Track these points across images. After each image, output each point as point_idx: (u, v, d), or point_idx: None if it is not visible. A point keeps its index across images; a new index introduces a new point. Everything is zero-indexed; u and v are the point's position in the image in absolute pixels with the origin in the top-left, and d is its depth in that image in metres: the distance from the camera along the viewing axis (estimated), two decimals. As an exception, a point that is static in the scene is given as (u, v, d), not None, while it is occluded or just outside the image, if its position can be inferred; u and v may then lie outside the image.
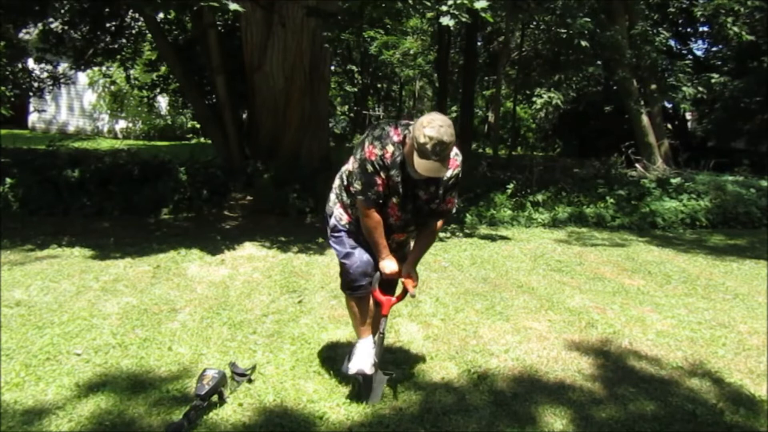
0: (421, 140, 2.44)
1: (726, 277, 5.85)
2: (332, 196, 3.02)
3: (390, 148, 2.63)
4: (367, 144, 2.65)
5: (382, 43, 16.89)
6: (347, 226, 2.93)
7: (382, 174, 2.63)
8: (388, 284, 2.94)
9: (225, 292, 4.63)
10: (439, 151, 2.44)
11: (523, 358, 3.52)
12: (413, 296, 2.87)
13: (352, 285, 2.91)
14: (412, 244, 3.04)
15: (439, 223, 2.87)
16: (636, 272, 5.86)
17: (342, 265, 2.95)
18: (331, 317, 4.09)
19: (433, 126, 2.45)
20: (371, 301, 2.99)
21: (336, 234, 2.97)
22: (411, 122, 2.64)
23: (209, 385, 2.72)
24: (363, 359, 2.90)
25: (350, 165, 2.81)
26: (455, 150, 2.69)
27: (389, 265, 2.80)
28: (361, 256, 2.88)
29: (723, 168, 11.53)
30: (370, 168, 2.63)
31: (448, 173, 2.68)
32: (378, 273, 2.86)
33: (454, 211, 2.85)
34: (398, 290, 3.02)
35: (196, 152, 9.74)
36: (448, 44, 16.20)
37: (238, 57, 9.71)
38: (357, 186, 2.69)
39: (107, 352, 3.41)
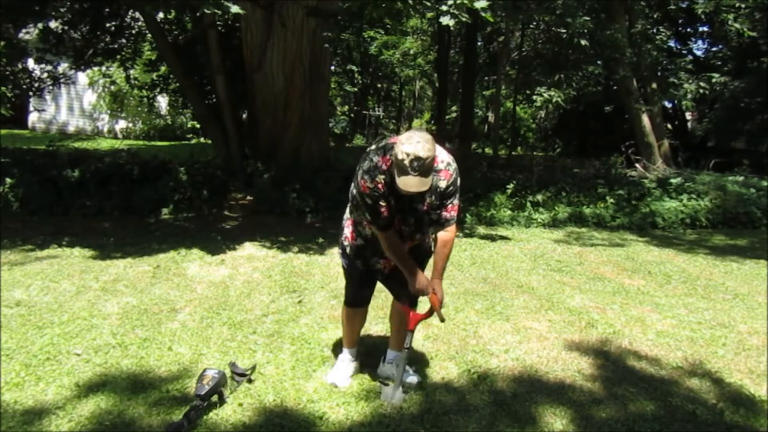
0: (400, 157, 2.49)
1: (726, 277, 5.85)
2: (348, 208, 3.06)
3: (380, 178, 2.67)
4: (359, 177, 2.71)
5: (382, 43, 16.89)
6: (349, 248, 3.01)
7: (382, 202, 2.69)
8: (412, 298, 2.93)
9: (225, 292, 4.63)
10: (417, 166, 2.47)
11: (523, 358, 3.53)
12: (442, 320, 2.88)
13: (348, 299, 3.15)
14: (428, 241, 3.07)
15: (451, 230, 2.84)
16: (636, 272, 5.86)
17: (345, 279, 3.16)
18: (331, 317, 4.09)
19: (411, 142, 2.49)
20: (360, 317, 3.21)
21: (341, 250, 3.09)
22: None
23: (209, 385, 2.72)
24: (339, 372, 3.16)
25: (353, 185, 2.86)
26: (448, 160, 2.74)
27: (416, 281, 2.79)
28: (355, 281, 3.07)
29: (723, 168, 11.53)
30: (369, 201, 2.69)
31: (443, 184, 2.73)
32: (408, 288, 2.85)
33: (455, 217, 2.85)
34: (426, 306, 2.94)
35: (196, 152, 9.72)
36: (448, 44, 16.21)
37: (238, 57, 9.71)
38: (368, 217, 2.75)
39: (107, 352, 3.41)
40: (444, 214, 2.80)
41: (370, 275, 3.03)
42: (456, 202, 2.82)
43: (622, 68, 11.98)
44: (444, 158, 2.72)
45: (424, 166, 2.49)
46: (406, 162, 2.47)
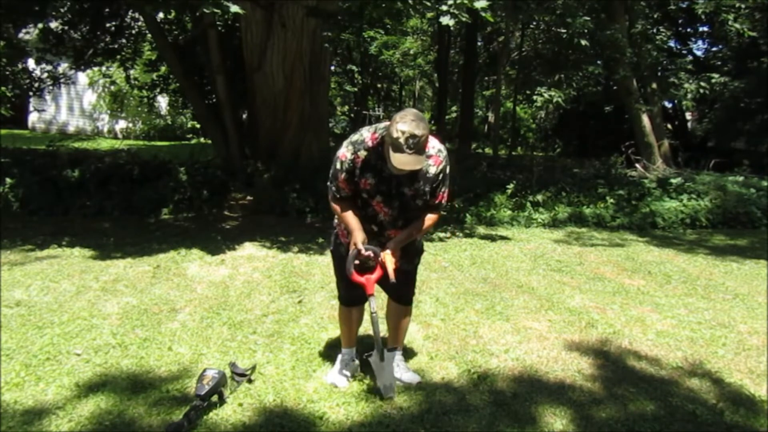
0: (395, 135, 2.51)
1: (726, 277, 5.85)
2: None
3: (362, 154, 2.72)
4: (344, 146, 2.79)
5: (382, 43, 16.86)
6: (341, 245, 3.02)
7: (345, 175, 2.76)
8: (366, 264, 2.86)
9: (225, 292, 4.63)
10: (412, 144, 2.50)
11: (523, 358, 3.53)
12: (392, 281, 2.75)
13: (342, 298, 3.18)
14: (419, 239, 3.08)
15: (435, 215, 2.90)
16: (636, 272, 5.86)
17: (336, 276, 3.19)
18: (331, 317, 4.09)
19: (405, 120, 2.52)
20: (356, 315, 3.19)
21: (332, 249, 3.13)
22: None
23: (209, 385, 2.72)
24: (339, 372, 3.15)
25: None
26: (439, 147, 2.77)
27: (354, 237, 2.76)
28: (347, 279, 2.98)
29: (723, 168, 11.53)
30: (338, 166, 2.79)
31: (433, 170, 2.75)
32: (351, 254, 2.81)
33: (444, 204, 2.90)
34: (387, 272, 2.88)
35: (196, 152, 9.73)
36: (448, 44, 16.21)
37: (238, 57, 9.71)
38: (331, 182, 2.86)
39: (107, 352, 3.41)
40: (434, 200, 2.84)
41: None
42: (446, 189, 2.87)
43: (622, 68, 11.98)
44: (435, 144, 2.75)
45: (419, 144, 2.52)
46: (402, 140, 2.49)
